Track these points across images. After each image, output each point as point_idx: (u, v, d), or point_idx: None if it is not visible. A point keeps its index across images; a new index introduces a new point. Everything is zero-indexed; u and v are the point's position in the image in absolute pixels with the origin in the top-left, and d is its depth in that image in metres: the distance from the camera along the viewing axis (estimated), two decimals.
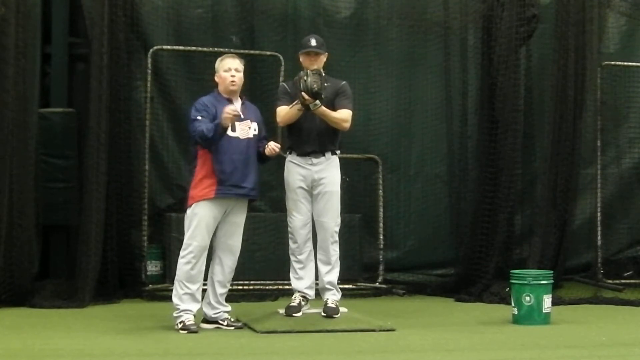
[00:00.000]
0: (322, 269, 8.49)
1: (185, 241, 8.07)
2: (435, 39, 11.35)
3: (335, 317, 8.36)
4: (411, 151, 11.51)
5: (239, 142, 8.09)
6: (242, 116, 8.04)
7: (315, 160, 8.40)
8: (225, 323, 8.28)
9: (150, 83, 10.56)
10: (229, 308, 8.36)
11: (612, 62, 11.52)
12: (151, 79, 10.58)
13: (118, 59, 10.20)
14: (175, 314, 8.09)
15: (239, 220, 8.23)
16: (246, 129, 8.15)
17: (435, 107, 11.42)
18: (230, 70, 8.16)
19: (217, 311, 8.26)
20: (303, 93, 8.12)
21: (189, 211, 8.05)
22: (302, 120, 8.32)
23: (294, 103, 8.26)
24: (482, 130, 10.98)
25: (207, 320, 8.25)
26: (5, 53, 9.45)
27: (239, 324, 8.33)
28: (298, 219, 8.42)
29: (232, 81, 8.14)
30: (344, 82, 8.57)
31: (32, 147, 9.98)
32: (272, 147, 8.17)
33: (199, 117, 7.99)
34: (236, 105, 8.16)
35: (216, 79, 8.23)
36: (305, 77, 8.13)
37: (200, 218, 8.01)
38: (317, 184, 8.41)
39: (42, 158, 10.28)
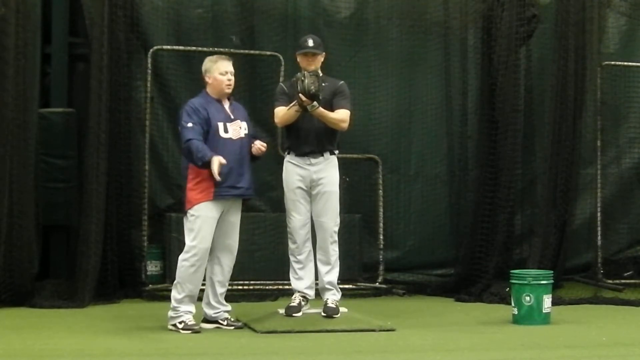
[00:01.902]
0: (322, 269, 8.49)
1: (188, 244, 8.02)
2: (435, 39, 11.34)
3: (335, 317, 8.36)
4: (411, 151, 11.50)
5: (233, 143, 8.11)
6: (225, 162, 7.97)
7: (313, 161, 8.41)
8: (225, 323, 8.28)
9: (150, 83, 10.57)
10: (229, 307, 8.37)
11: (612, 62, 11.51)
12: (151, 79, 10.58)
13: (118, 59, 10.20)
14: (173, 314, 8.08)
15: (235, 219, 8.23)
16: (237, 129, 8.17)
17: (435, 107, 11.42)
18: (226, 73, 8.17)
19: (218, 311, 8.26)
20: (301, 95, 8.13)
21: (190, 216, 8.02)
22: (301, 120, 8.33)
23: (291, 104, 8.26)
24: (482, 130, 10.98)
25: (207, 320, 8.25)
26: (5, 53, 9.46)
27: (239, 324, 8.33)
28: (297, 219, 8.42)
29: (228, 84, 8.17)
30: (342, 81, 8.56)
31: (32, 147, 9.98)
32: (258, 146, 8.20)
33: (190, 124, 7.96)
34: (225, 106, 8.19)
35: (207, 79, 8.18)
36: (302, 79, 8.13)
37: (202, 220, 8.00)
38: (315, 184, 8.42)
39: (42, 158, 10.28)
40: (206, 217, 8.00)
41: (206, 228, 8.00)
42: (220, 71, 8.15)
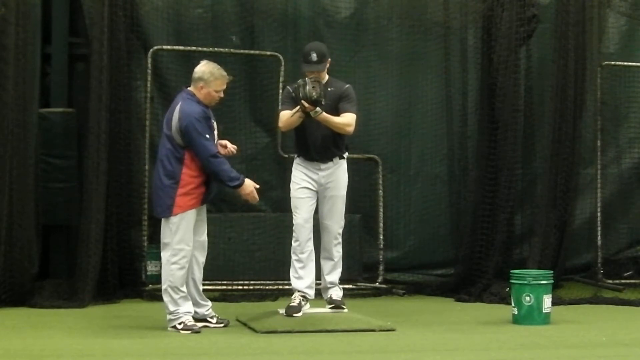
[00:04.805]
0: (325, 269, 8.59)
1: (174, 247, 8.04)
2: (435, 39, 11.34)
3: (343, 309, 8.49)
4: (411, 151, 11.50)
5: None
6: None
7: (323, 166, 8.48)
8: (214, 321, 8.34)
9: (150, 83, 10.56)
10: (210, 303, 8.44)
11: (612, 62, 11.50)
12: (151, 79, 10.58)
13: (118, 59, 10.20)
14: (172, 317, 8.09)
15: (204, 217, 8.34)
16: (215, 133, 8.31)
17: (435, 107, 11.42)
18: (221, 92, 8.20)
19: (207, 308, 8.33)
20: (303, 101, 8.13)
21: (175, 219, 8.02)
22: (307, 127, 8.36)
23: (295, 110, 8.26)
24: (482, 130, 10.98)
25: (196, 319, 8.24)
26: (5, 53, 9.46)
27: (226, 321, 8.41)
28: (300, 217, 8.46)
29: (217, 101, 8.24)
30: (348, 85, 8.56)
31: (32, 147, 9.98)
32: (232, 150, 8.37)
33: (208, 136, 8.02)
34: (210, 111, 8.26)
35: (200, 86, 8.11)
36: (303, 85, 8.14)
37: (187, 224, 8.06)
38: (323, 188, 8.49)
39: (42, 158, 10.28)
40: (191, 219, 8.08)
41: (190, 230, 8.08)
42: (216, 89, 8.16)
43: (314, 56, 8.35)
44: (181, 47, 10.76)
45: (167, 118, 8.17)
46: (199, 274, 8.29)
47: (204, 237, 8.32)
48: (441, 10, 11.21)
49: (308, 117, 8.24)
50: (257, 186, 8.22)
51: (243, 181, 8.12)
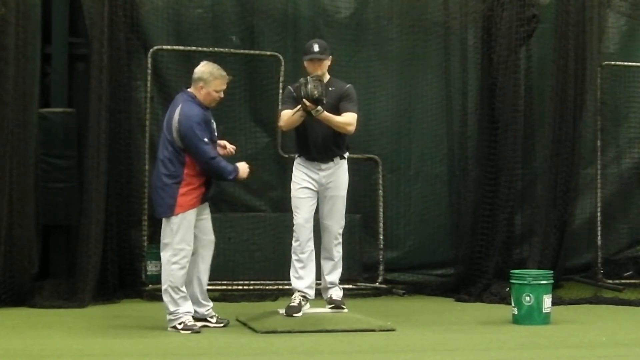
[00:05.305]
0: (325, 269, 8.59)
1: (175, 247, 8.05)
2: (435, 39, 11.35)
3: (343, 308, 8.50)
4: (411, 151, 11.50)
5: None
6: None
7: (323, 166, 8.49)
8: (214, 320, 8.34)
9: (150, 83, 10.57)
10: (212, 303, 8.44)
11: (612, 62, 11.51)
12: (151, 79, 10.58)
13: (118, 59, 10.21)
14: (172, 317, 8.10)
15: (209, 216, 8.35)
16: (214, 132, 8.31)
17: (435, 107, 11.42)
18: (221, 92, 8.21)
19: (207, 308, 8.34)
20: (304, 100, 8.14)
21: (176, 218, 8.03)
22: (307, 126, 8.37)
23: (296, 109, 8.27)
24: (482, 130, 10.98)
25: (196, 319, 8.25)
26: (5, 53, 9.46)
27: (226, 321, 8.41)
28: (300, 217, 8.46)
29: (217, 102, 8.26)
30: (349, 85, 8.58)
31: (32, 147, 9.99)
32: (231, 150, 8.40)
33: (206, 139, 8.04)
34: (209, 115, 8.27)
35: (200, 87, 8.13)
36: (305, 84, 8.15)
37: (188, 223, 8.08)
38: (324, 188, 8.50)
39: (42, 158, 10.29)
40: (191, 220, 8.10)
41: (191, 230, 8.10)
42: (216, 89, 8.17)
43: (316, 47, 8.42)
44: (181, 47, 10.77)
45: (167, 120, 8.17)
46: (205, 273, 8.29)
47: (211, 237, 8.33)
48: (441, 10, 11.22)
49: (309, 116, 8.25)
50: (247, 166, 8.27)
51: (238, 170, 8.19)
